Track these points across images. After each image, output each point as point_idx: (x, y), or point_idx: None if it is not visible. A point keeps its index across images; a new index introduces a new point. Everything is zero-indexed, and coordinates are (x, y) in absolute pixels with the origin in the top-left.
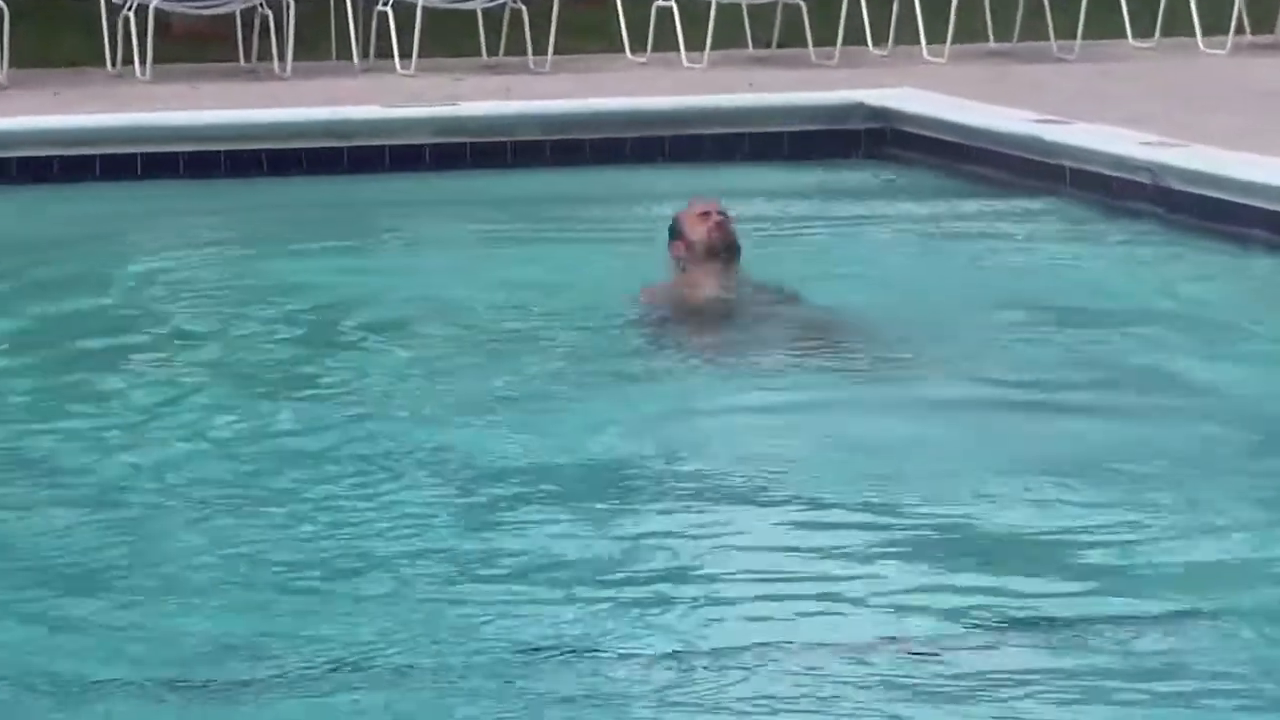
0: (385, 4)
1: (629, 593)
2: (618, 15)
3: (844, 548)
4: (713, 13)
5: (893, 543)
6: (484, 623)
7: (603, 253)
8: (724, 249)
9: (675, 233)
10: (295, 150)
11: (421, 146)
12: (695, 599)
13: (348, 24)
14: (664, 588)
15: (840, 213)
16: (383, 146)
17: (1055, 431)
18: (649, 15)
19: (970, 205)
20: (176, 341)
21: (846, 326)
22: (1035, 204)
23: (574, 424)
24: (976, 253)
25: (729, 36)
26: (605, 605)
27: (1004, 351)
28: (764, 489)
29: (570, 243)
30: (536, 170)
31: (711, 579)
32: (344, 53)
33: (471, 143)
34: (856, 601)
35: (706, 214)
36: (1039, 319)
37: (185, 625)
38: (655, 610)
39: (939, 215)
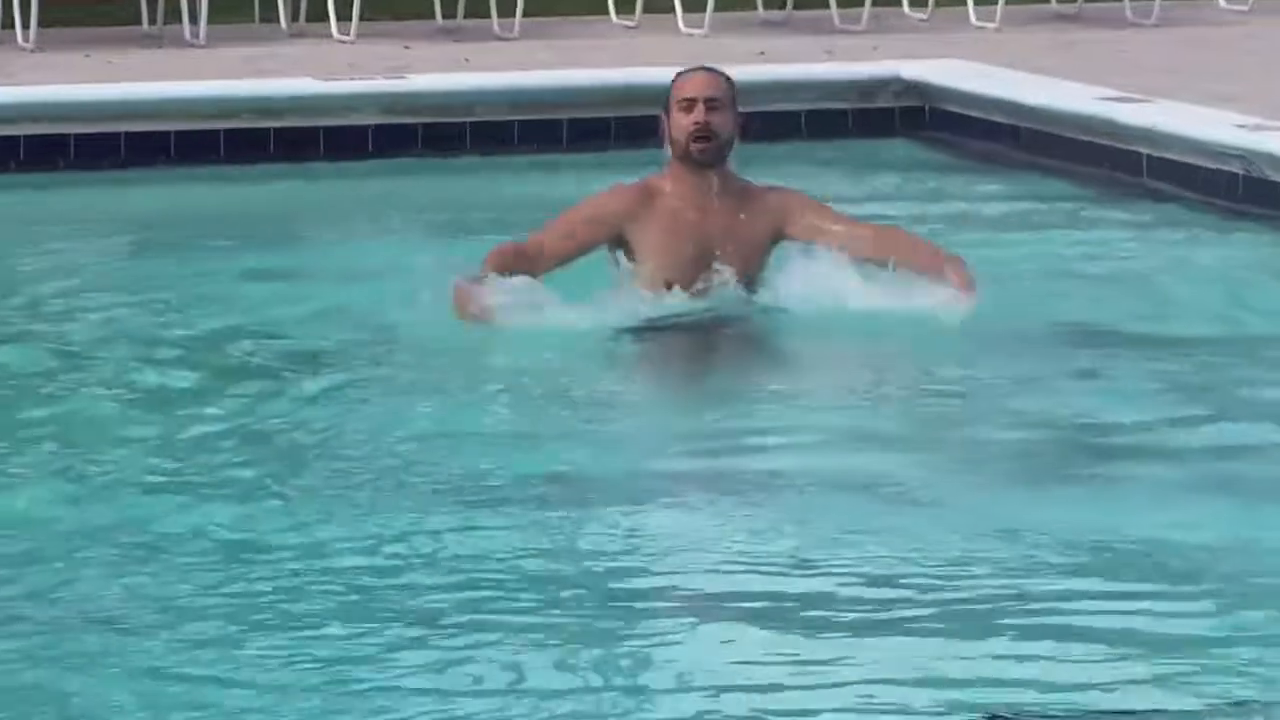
0: None
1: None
2: None
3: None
4: None
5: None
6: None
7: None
8: (700, 162)
9: (666, 101)
10: (210, 132)
11: (364, 128)
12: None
13: None
14: (640, 676)
15: (869, 208)
16: (316, 128)
17: (1115, 493)
18: None
19: (1028, 200)
20: (54, 369)
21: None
22: (1106, 199)
23: (519, 471)
24: (1034, 258)
25: None
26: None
27: (1063, 381)
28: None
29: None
30: (502, 157)
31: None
32: (269, 13)
33: (423, 124)
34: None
35: (690, 105)
36: (1107, 339)
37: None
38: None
39: (989, 212)
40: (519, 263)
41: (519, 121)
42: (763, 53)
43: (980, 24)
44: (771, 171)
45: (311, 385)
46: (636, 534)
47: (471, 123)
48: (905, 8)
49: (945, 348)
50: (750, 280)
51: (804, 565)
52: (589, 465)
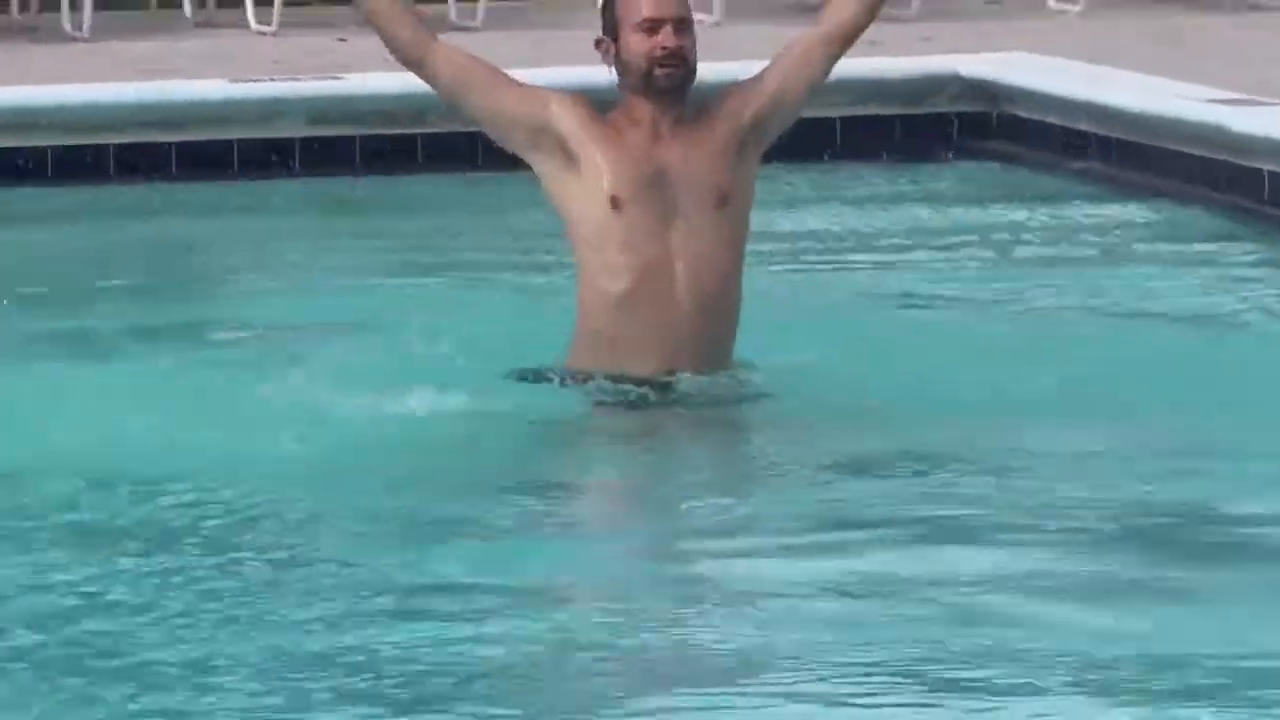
0: None
1: None
2: None
3: None
4: None
5: None
6: None
7: (552, 296)
8: (666, 89)
9: (608, 19)
10: (98, 148)
11: (289, 141)
12: None
13: None
14: None
15: (918, 242)
16: (229, 141)
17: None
18: None
19: (1120, 231)
20: None
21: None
22: (1218, 228)
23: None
24: (1128, 303)
25: None
26: None
27: (1157, 461)
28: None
29: (507, 278)
30: (462, 175)
31: None
32: None
33: (362, 136)
34: None
35: (654, 26)
36: (1216, 408)
37: None
38: None
39: (1072, 246)
40: (421, 36)
41: (483, 134)
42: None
43: (1060, 6)
44: (797, 194)
45: (206, 481)
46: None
47: (424, 135)
48: None
49: (1007, 416)
50: (725, 198)
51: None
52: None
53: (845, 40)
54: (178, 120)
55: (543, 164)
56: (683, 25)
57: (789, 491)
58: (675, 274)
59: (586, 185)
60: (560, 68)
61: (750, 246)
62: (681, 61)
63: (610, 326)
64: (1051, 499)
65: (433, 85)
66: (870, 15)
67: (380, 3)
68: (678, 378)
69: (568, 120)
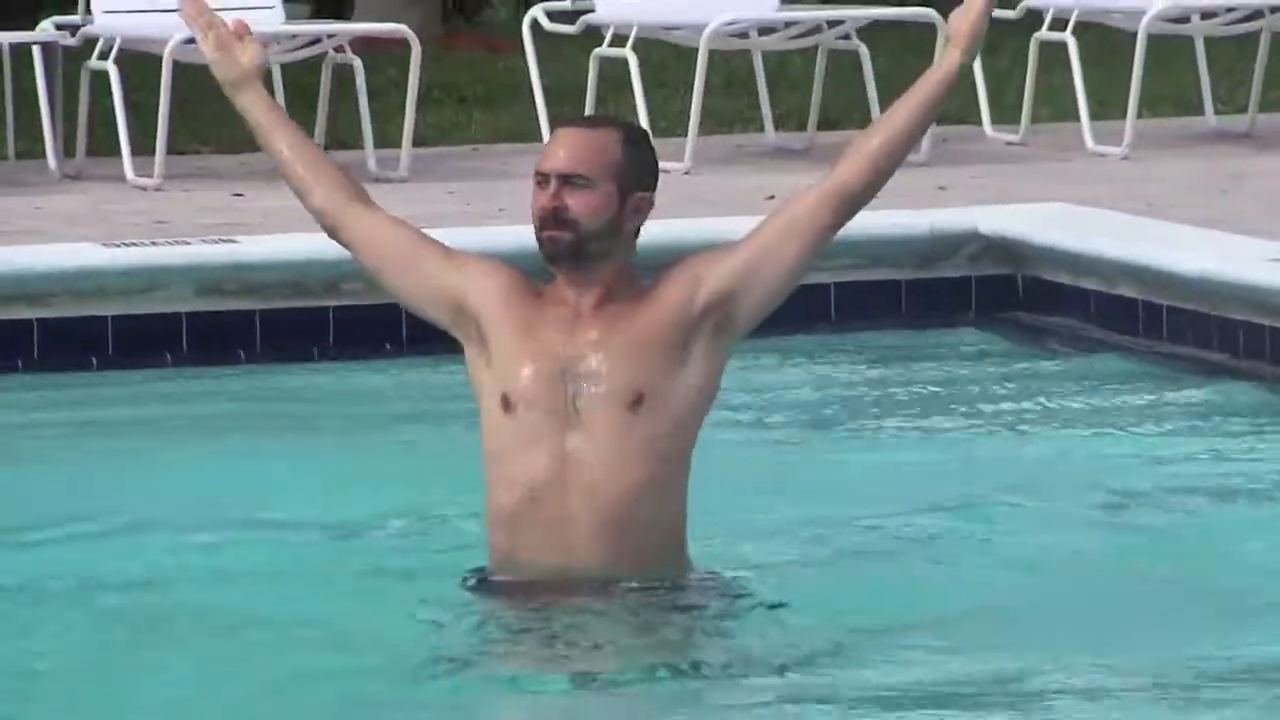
0: (103, 57)
1: None
2: (527, 76)
3: None
4: (700, 70)
5: None
6: None
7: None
8: (550, 256)
9: None
10: None
11: (174, 317)
12: None
13: (35, 93)
14: None
15: (926, 430)
16: (101, 319)
17: None
18: (582, 74)
19: (1179, 418)
20: None
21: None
22: None
23: None
24: (1188, 510)
25: (729, 112)
26: None
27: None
28: None
29: (439, 477)
30: (381, 360)
31: None
32: (30, 145)
33: (263, 311)
34: None
35: (542, 180)
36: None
37: None
38: None
39: (1116, 438)
40: (337, 197)
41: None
42: (772, 197)
43: (1100, 148)
44: (782, 373)
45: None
46: None
47: (336, 309)
48: (987, 126)
49: (1018, 655)
50: (640, 399)
51: None
52: None
53: (854, 198)
54: (38, 293)
55: (465, 347)
56: (570, 182)
57: None
58: (566, 488)
59: (489, 379)
60: (503, 226)
61: (725, 431)
62: (562, 225)
63: (505, 542)
64: None
65: (352, 255)
66: (889, 167)
67: (277, 143)
68: (620, 583)
69: (486, 297)
